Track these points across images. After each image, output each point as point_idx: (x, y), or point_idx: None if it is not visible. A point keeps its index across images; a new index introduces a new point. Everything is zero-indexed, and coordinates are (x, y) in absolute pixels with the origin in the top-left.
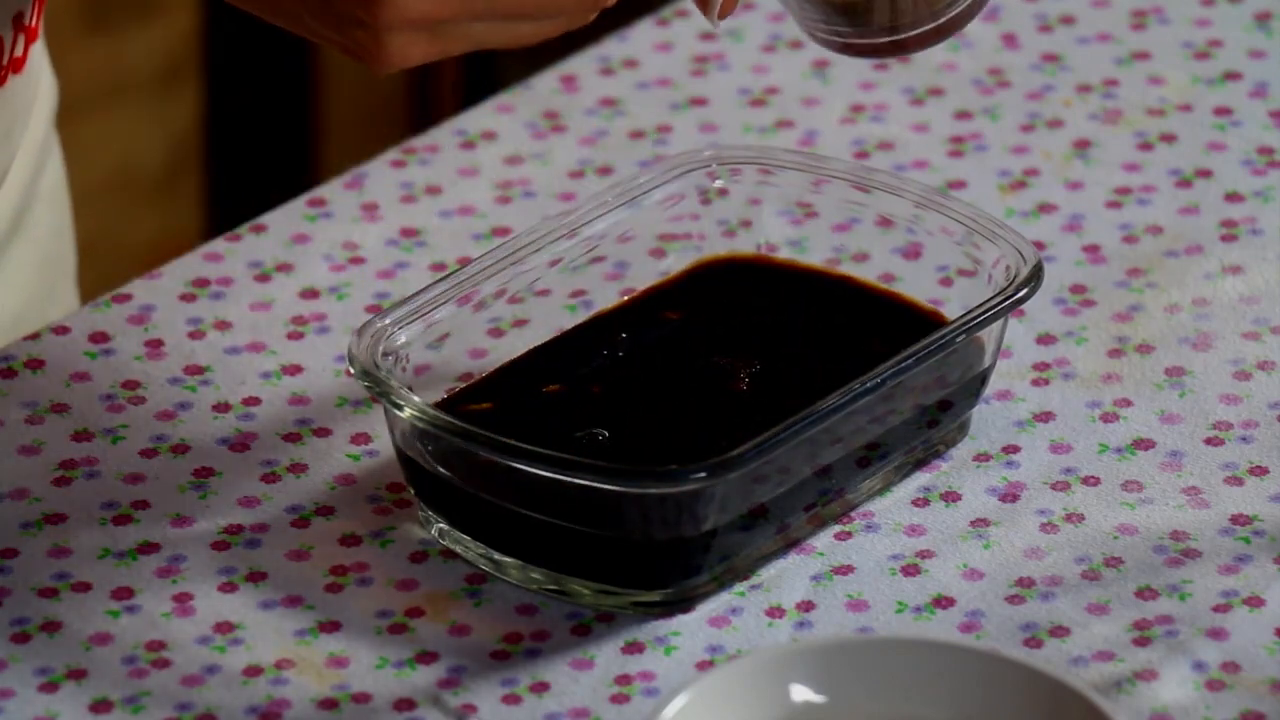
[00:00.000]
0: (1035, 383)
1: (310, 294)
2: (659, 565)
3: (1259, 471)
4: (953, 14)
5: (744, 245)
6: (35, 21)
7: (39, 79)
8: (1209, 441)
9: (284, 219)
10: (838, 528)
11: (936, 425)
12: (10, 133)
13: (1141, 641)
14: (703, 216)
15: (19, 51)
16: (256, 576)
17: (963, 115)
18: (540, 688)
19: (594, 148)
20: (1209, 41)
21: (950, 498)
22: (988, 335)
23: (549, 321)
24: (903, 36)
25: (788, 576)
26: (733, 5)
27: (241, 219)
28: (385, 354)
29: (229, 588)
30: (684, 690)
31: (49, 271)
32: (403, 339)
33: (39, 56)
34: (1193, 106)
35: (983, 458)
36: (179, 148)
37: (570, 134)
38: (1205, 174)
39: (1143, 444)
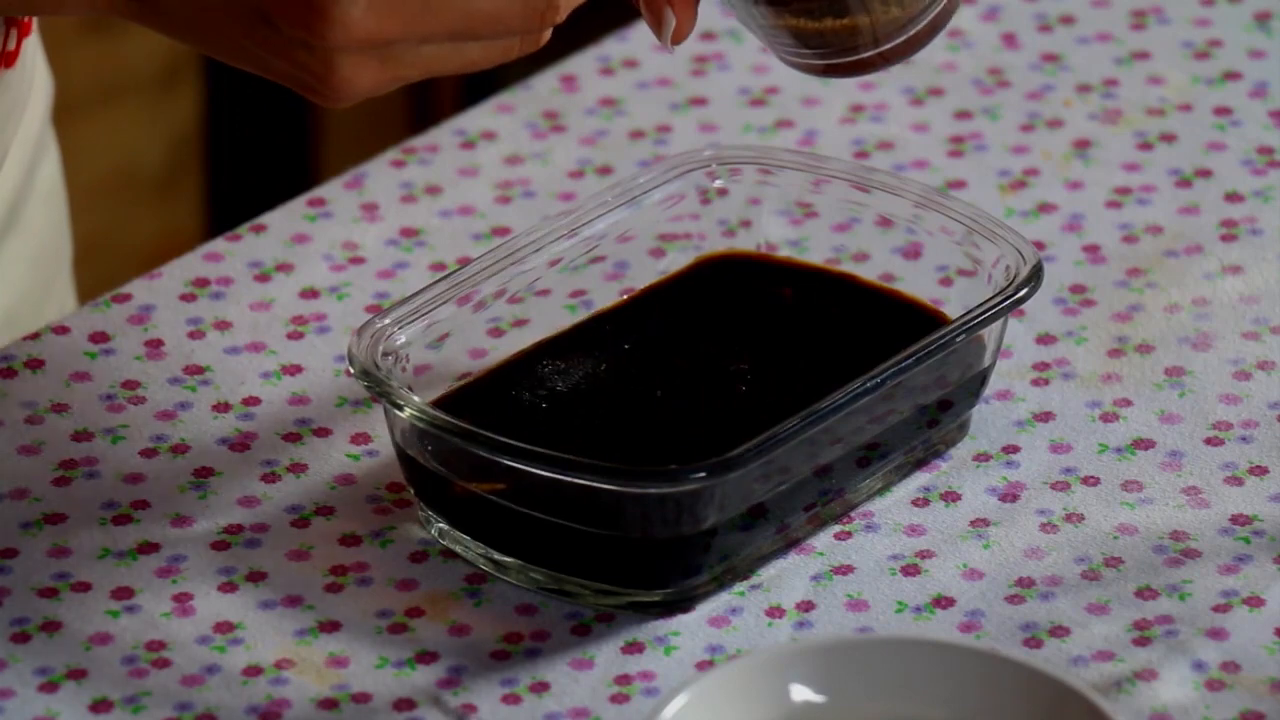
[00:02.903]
0: (1035, 383)
1: (310, 294)
2: (659, 565)
3: (1259, 471)
4: (917, 29)
5: (744, 245)
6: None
7: (33, 74)
8: (1209, 441)
9: (284, 219)
10: (838, 528)
11: (936, 425)
12: (3, 128)
13: (1141, 641)
14: (703, 216)
15: (11, 45)
16: (256, 576)
17: (963, 115)
18: (540, 687)
19: (594, 148)
20: (1209, 41)
21: (950, 498)
22: (988, 335)
23: (549, 321)
24: (867, 55)
25: (788, 576)
26: (687, 31)
27: (241, 219)
28: (385, 354)
29: (229, 588)
30: (684, 690)
31: (44, 268)
32: (403, 339)
33: (33, 51)
34: (1193, 106)
35: (983, 458)
36: (179, 148)
37: (570, 134)
38: (1205, 174)
39: (1143, 444)
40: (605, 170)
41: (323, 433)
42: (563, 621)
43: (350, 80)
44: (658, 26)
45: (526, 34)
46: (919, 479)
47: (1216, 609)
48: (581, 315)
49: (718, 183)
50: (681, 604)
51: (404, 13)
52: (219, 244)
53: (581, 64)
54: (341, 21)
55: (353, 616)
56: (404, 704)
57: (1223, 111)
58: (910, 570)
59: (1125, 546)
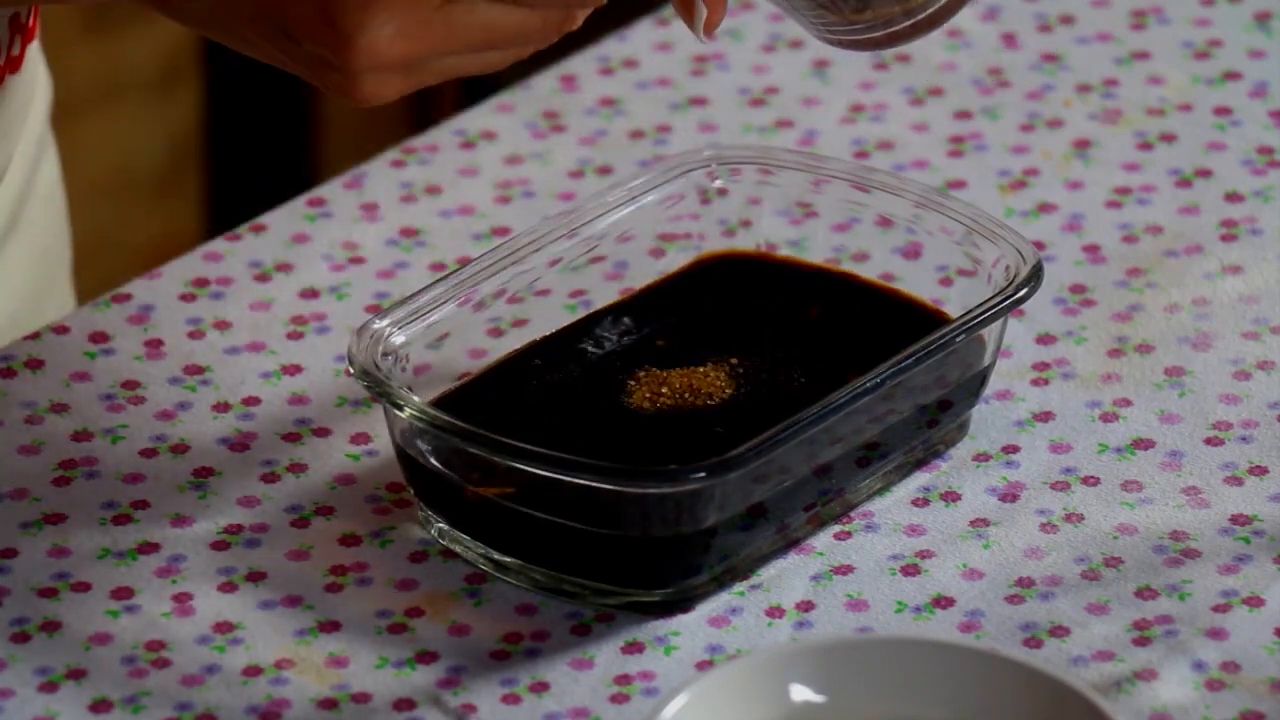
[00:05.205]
0: (1035, 383)
1: (310, 294)
2: (659, 565)
3: (1259, 471)
4: (932, 10)
5: (744, 245)
6: (32, 20)
7: (35, 78)
8: (1209, 441)
9: (284, 219)
10: (837, 528)
11: (936, 425)
12: (8, 132)
13: (1141, 641)
14: (702, 216)
15: (15, 51)
16: (256, 576)
17: (963, 115)
18: (540, 687)
19: (594, 148)
20: (1209, 41)
21: (950, 498)
22: (988, 335)
23: (549, 321)
24: (890, 30)
25: (787, 576)
26: (718, 20)
27: (241, 219)
28: (385, 354)
29: (229, 588)
30: (684, 690)
31: (45, 269)
32: (402, 339)
33: (35, 55)
34: (1193, 106)
35: (982, 457)
36: (179, 148)
37: (570, 134)
38: (1205, 174)
39: (1142, 444)
40: (605, 170)
41: (323, 433)
42: (563, 621)
43: (376, 93)
44: (689, 17)
45: (544, 40)
46: (919, 479)
47: (1216, 609)
48: (581, 315)
49: (718, 183)
50: (681, 604)
51: (430, 36)
52: (219, 244)
53: (581, 64)
54: (368, 49)
55: (353, 616)
56: (404, 704)
57: (1223, 111)
58: (910, 570)
59: (1125, 546)
